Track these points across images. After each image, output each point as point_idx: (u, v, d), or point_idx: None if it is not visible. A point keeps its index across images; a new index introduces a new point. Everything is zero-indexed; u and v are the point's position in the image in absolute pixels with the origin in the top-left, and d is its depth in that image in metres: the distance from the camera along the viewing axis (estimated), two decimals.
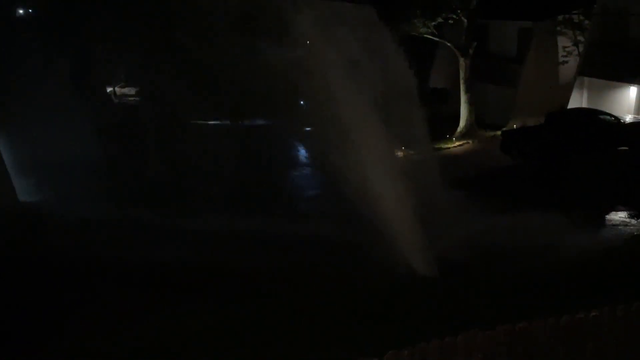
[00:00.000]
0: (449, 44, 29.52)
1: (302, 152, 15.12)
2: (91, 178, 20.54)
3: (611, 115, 23.78)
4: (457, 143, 28.22)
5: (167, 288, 13.04)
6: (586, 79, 27.24)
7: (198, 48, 18.49)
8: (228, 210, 17.08)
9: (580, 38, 27.99)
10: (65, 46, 23.79)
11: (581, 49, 27.77)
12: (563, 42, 28.87)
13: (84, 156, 21.52)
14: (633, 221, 16.79)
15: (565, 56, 28.71)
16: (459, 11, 28.16)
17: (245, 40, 17.23)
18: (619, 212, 17.29)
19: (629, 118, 24.64)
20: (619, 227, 16.53)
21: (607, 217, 17.13)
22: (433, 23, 28.41)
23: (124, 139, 23.11)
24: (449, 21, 28.55)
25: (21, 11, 28.88)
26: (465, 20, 28.57)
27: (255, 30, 17.62)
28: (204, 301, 12.12)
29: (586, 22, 27.77)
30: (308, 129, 15.46)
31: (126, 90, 31.98)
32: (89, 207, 18.42)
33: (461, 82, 29.38)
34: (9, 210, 18.40)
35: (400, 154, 19.99)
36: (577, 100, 27.34)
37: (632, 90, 25.77)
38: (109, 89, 31.22)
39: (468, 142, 28.27)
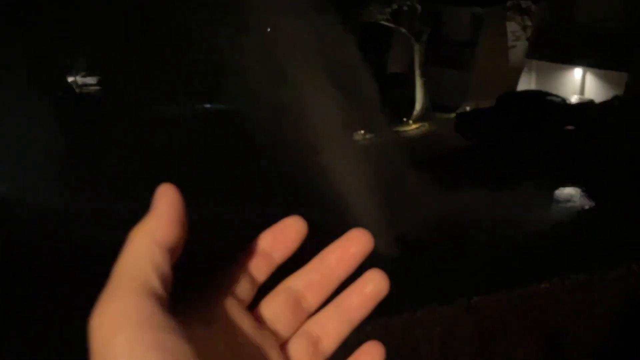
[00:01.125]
0: (404, 30, 29.62)
1: (263, 137, 14.98)
2: (53, 168, 20.05)
3: (558, 97, 24.24)
4: (414, 126, 28.40)
5: None
6: (534, 62, 27.70)
7: (157, 33, 18.18)
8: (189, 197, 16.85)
9: (528, 23, 28.41)
10: (22, 36, 23.08)
11: (529, 33, 28.19)
12: (512, 27, 29.25)
13: (46, 147, 20.99)
14: (578, 197, 17.20)
15: (515, 40, 29.10)
16: None
17: (203, 25, 16.94)
18: (566, 189, 17.65)
19: (574, 99, 25.17)
20: (566, 203, 16.92)
21: (555, 193, 17.48)
22: (389, 10, 28.46)
23: (87, 129, 22.60)
24: (404, 8, 28.62)
25: None
26: (419, 7, 28.68)
27: (213, 15, 17.36)
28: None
29: (533, 7, 28.19)
30: (268, 114, 15.33)
31: (88, 80, 31.22)
32: (49, 196, 17.98)
33: (416, 66, 29.54)
34: None
35: (359, 136, 20.07)
36: (526, 82, 27.79)
37: (577, 71, 26.33)
38: (70, 79, 30.43)
39: (424, 125, 28.48)
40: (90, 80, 30.76)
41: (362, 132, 20.55)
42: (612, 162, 17.91)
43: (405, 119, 28.60)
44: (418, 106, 29.50)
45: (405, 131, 27.67)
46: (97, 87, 29.39)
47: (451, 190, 16.50)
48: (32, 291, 12.49)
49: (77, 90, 30.29)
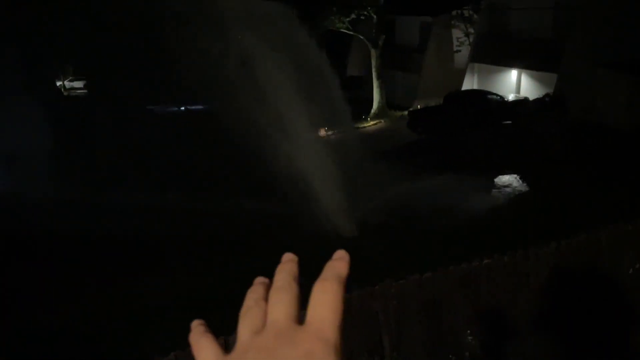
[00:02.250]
0: (362, 37, 29.64)
1: (235, 134, 14.82)
2: (48, 167, 19.54)
3: (497, 95, 24.55)
4: (372, 122, 28.52)
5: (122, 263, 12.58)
6: (476, 64, 28.00)
7: (140, 39, 17.81)
8: (170, 191, 16.60)
9: (471, 30, 28.69)
10: (16, 44, 22.40)
11: (471, 39, 28.48)
12: (456, 34, 29.50)
13: (39, 147, 20.45)
14: (515, 183, 17.47)
15: (459, 46, 29.37)
16: (369, 8, 28.26)
17: (178, 33, 16.66)
18: (504, 176, 17.92)
19: (511, 97, 25.53)
20: (505, 189, 17.17)
21: (495, 180, 17.73)
22: (347, 19, 28.43)
23: (75, 130, 22.08)
24: (361, 17, 28.63)
25: None
26: (375, 17, 28.71)
27: (186, 24, 17.08)
28: (158, 275, 11.74)
29: (475, 16, 28.46)
30: (239, 113, 15.18)
31: (75, 84, 30.50)
32: (46, 193, 17.53)
33: (373, 70, 29.63)
34: None
35: (322, 132, 20.01)
36: (470, 82, 28.09)
37: (513, 73, 26.71)
38: (58, 83, 29.68)
39: (380, 122, 28.62)
40: (77, 84, 30.06)
41: (326, 128, 20.51)
42: (544, 151, 18.23)
43: (364, 117, 28.69)
44: (375, 105, 29.63)
45: (364, 127, 27.76)
46: (84, 90, 28.75)
47: (404, 179, 16.60)
48: (34, 277, 12.20)
49: (65, 93, 29.58)
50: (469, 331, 5.56)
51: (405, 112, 26.98)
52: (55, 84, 28.86)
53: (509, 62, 26.03)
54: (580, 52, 22.31)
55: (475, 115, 22.79)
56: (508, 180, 17.68)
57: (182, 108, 23.41)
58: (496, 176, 17.90)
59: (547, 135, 19.09)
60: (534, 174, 17.34)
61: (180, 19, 17.30)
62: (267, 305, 0.62)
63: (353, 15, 28.35)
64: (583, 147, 18.42)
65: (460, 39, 29.16)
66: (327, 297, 0.59)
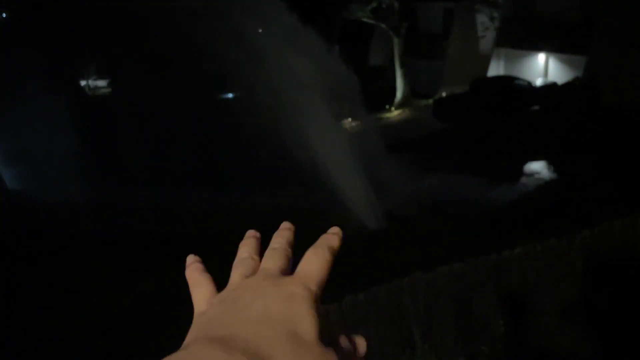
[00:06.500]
0: (383, 26, 29.43)
1: (262, 128, 14.90)
2: (72, 166, 19.89)
3: (524, 80, 24.19)
4: (396, 112, 28.34)
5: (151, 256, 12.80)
6: (502, 49, 27.60)
7: (160, 37, 17.97)
8: (197, 188, 16.74)
9: (495, 14, 28.24)
10: (42, 46, 22.83)
11: (496, 24, 28.05)
12: (481, 19, 29.09)
13: (65, 146, 20.83)
14: (546, 170, 17.24)
15: (484, 31, 28.94)
16: None
17: (202, 28, 16.76)
18: (535, 163, 17.70)
19: (539, 81, 25.13)
20: (534, 176, 16.96)
21: (525, 167, 17.52)
22: (369, 7, 28.24)
23: (101, 129, 22.42)
24: (383, 5, 28.41)
25: None
26: (397, 4, 28.47)
27: (210, 18, 17.18)
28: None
29: (499, 0, 28.02)
30: (264, 106, 15.25)
31: (99, 83, 30.96)
32: (71, 192, 17.87)
33: (396, 58, 29.41)
34: None
35: (347, 124, 20.01)
36: (495, 68, 27.71)
37: (541, 57, 26.26)
38: (82, 83, 30.17)
39: (405, 111, 28.41)
40: (101, 83, 30.53)
41: (350, 119, 20.48)
42: (574, 137, 17.93)
43: (387, 106, 28.55)
44: (399, 94, 29.42)
45: (388, 117, 27.63)
46: (108, 89, 29.18)
47: (431, 169, 16.52)
48: (49, 276, 12.52)
49: (89, 92, 30.07)
50: (501, 322, 5.54)
51: (430, 101, 26.75)
52: (80, 84, 29.35)
53: (535, 46, 25.59)
54: (610, 33, 21.81)
55: (503, 102, 22.51)
56: (538, 167, 17.46)
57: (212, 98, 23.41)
58: (525, 163, 17.69)
59: (578, 120, 18.76)
60: (564, 161, 17.08)
61: (197, 13, 17.40)
62: (261, 260, 0.68)
63: (374, 4, 28.13)
64: (614, 132, 18.05)
65: (485, 24, 28.72)
66: (317, 259, 0.64)
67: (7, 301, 11.30)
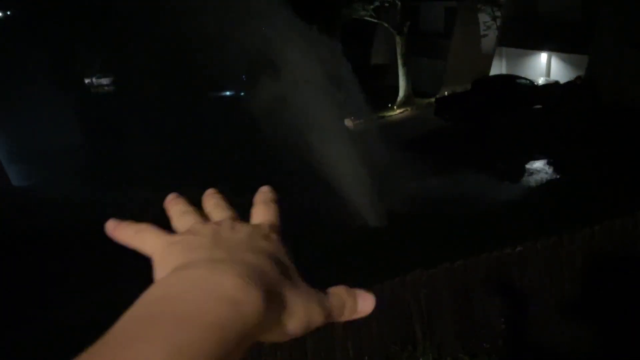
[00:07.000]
0: (385, 25, 29.43)
1: (263, 126, 14.93)
2: (76, 163, 19.96)
3: (526, 79, 24.17)
4: (398, 111, 28.36)
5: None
6: (504, 48, 27.58)
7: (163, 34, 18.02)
8: (197, 187, 16.74)
9: (497, 13, 28.20)
10: (46, 44, 22.87)
11: (499, 23, 28.02)
12: (483, 17, 29.05)
13: (68, 143, 20.91)
14: (547, 168, 17.25)
15: (486, 30, 28.92)
16: None
17: (205, 25, 16.80)
18: (536, 162, 17.70)
19: (541, 80, 25.11)
20: (535, 175, 16.97)
21: (527, 166, 17.53)
22: (371, 6, 28.24)
23: (104, 126, 22.49)
24: (385, 4, 28.41)
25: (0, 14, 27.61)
26: (399, 3, 28.46)
27: (214, 15, 17.22)
28: None
29: None
30: (266, 105, 15.28)
31: (102, 81, 31.05)
32: (74, 188, 17.92)
33: (398, 57, 29.41)
34: (3, 193, 17.88)
35: (349, 123, 20.02)
36: (498, 67, 27.70)
37: (543, 56, 26.25)
38: (86, 81, 30.27)
39: (407, 110, 28.43)
40: (105, 80, 30.60)
41: (352, 118, 20.50)
42: (575, 135, 17.94)
43: (390, 105, 28.56)
44: (401, 93, 29.43)
45: (390, 115, 27.64)
46: (111, 87, 29.26)
47: (432, 167, 16.53)
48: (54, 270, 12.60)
49: (92, 90, 30.15)
50: (502, 319, 5.58)
51: (432, 100, 26.75)
52: (84, 81, 29.44)
53: (538, 45, 25.57)
54: (612, 32, 21.79)
55: (505, 100, 22.49)
56: (539, 166, 17.47)
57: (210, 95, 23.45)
58: (527, 162, 17.70)
59: (579, 119, 18.75)
60: (565, 160, 17.08)
61: (203, 11, 17.44)
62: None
63: (377, 3, 28.13)
64: (615, 131, 18.06)
65: (487, 23, 28.70)
66: (269, 210, 0.63)
67: (6, 298, 11.37)
